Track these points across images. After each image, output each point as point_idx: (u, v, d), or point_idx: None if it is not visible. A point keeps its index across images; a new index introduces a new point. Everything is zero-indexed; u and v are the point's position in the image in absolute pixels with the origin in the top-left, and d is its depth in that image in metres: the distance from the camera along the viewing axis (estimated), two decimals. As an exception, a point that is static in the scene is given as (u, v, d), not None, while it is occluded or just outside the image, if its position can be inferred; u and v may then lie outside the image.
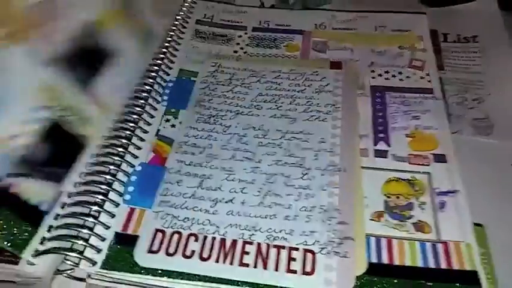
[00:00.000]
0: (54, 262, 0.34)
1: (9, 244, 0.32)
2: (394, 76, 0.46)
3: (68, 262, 0.34)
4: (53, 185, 0.36)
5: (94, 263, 0.33)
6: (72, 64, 0.39)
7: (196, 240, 0.34)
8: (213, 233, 0.35)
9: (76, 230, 0.35)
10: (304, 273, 0.32)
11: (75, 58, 0.40)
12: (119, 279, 0.33)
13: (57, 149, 0.37)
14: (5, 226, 0.33)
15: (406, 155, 0.39)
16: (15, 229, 0.33)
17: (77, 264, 0.34)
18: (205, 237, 0.35)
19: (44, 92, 0.36)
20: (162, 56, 0.48)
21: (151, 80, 0.46)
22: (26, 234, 0.33)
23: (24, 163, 0.34)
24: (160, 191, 0.38)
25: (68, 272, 0.34)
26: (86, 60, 0.41)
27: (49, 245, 0.34)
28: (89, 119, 0.40)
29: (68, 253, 0.33)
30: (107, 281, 0.33)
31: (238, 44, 0.52)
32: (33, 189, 0.35)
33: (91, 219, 0.35)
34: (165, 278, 0.32)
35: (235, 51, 0.51)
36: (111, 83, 0.43)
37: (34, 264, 0.33)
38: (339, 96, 0.44)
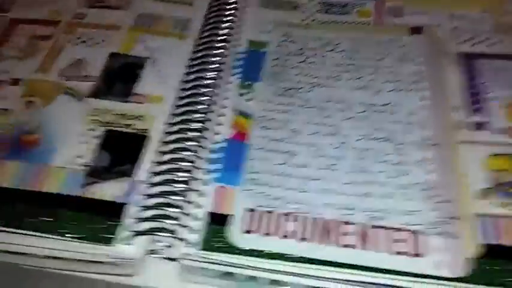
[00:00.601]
0: (145, 243, 0.33)
1: (100, 241, 0.33)
2: (480, 42, 0.43)
3: (160, 243, 0.33)
4: (124, 179, 0.36)
5: (190, 244, 0.32)
6: (109, 87, 0.42)
7: (290, 220, 0.33)
8: (307, 213, 0.34)
9: (168, 209, 0.34)
10: (411, 255, 0.31)
11: (110, 82, 0.42)
12: (216, 259, 0.32)
13: (119, 150, 0.38)
14: (88, 226, 0.33)
15: (505, 126, 0.37)
16: (99, 227, 0.33)
17: (169, 246, 0.33)
18: (299, 217, 0.34)
19: (91, 116, 0.40)
20: (227, 27, 0.46)
21: (220, 52, 0.44)
22: (111, 226, 0.33)
23: (93, 173, 0.36)
24: (247, 169, 0.36)
25: (160, 253, 0.34)
26: (120, 78, 0.42)
27: (141, 226, 0.33)
28: (142, 116, 0.40)
29: (164, 234, 0.33)
30: (204, 262, 0.33)
31: (304, 11, 0.49)
32: (107, 189, 0.35)
33: (181, 199, 0.34)
34: (264, 259, 0.32)
35: (303, 19, 0.48)
36: (153, 79, 0.43)
37: (128, 245, 0.33)
38: (423, 65, 0.42)
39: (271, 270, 0.31)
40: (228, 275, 0.33)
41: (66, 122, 0.39)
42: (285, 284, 0.32)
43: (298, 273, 0.31)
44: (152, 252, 0.34)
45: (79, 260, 0.34)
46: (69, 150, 0.37)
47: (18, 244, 0.33)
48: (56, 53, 0.44)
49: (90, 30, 0.46)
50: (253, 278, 0.32)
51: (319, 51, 0.45)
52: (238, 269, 0.32)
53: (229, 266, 0.32)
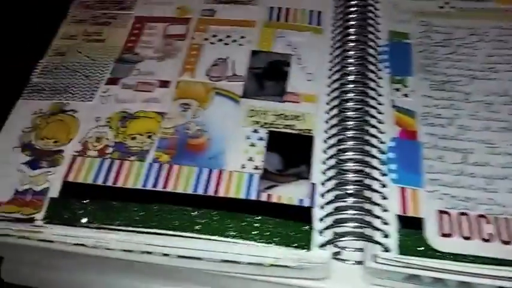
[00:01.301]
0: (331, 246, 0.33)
1: (294, 245, 0.32)
2: None
3: (349, 247, 0.33)
4: (302, 182, 0.35)
5: (385, 248, 0.32)
6: (261, 86, 0.41)
7: (487, 222, 0.32)
8: (502, 214, 0.33)
9: (354, 212, 0.33)
10: None
11: (259, 81, 0.41)
12: (417, 264, 0.31)
13: (288, 150, 0.37)
14: (280, 233, 0.32)
15: None
16: (291, 232, 0.33)
17: (359, 249, 0.33)
18: (496, 219, 0.33)
19: (250, 117, 0.39)
20: (361, 17, 0.45)
21: (364, 47, 0.42)
22: (304, 230, 0.33)
23: (268, 176, 0.35)
24: (425, 168, 0.35)
25: (346, 256, 0.33)
26: (268, 76, 0.42)
27: (328, 233, 0.33)
28: (300, 115, 0.39)
29: (360, 238, 0.32)
30: (404, 267, 0.32)
31: (439, -2, 0.47)
32: (288, 192, 0.34)
33: (364, 201, 0.34)
34: (469, 264, 0.31)
35: (441, 7, 0.46)
36: (302, 76, 0.41)
37: (321, 249, 0.32)
38: None
39: (474, 274, 0.31)
40: (414, 277, 0.32)
41: (228, 124, 0.38)
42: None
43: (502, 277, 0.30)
44: (336, 254, 0.33)
45: (258, 264, 0.33)
46: (238, 153, 0.37)
47: (192, 249, 0.33)
48: (196, 52, 0.43)
49: (223, 28, 0.45)
50: (439, 281, 0.32)
51: (466, 41, 0.43)
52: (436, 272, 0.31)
53: (426, 270, 0.32)
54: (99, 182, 0.35)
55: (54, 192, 0.35)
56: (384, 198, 0.34)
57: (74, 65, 0.43)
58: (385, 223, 0.33)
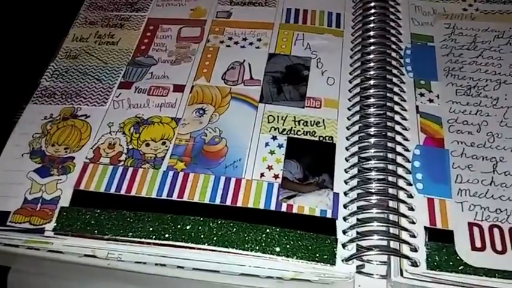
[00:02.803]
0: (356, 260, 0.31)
1: (318, 259, 0.31)
2: None
3: (374, 261, 0.31)
4: (324, 191, 0.34)
5: (414, 263, 0.30)
6: (279, 91, 0.39)
7: (521, 235, 0.31)
8: (535, 226, 0.31)
9: (379, 224, 0.32)
10: None
11: (277, 85, 0.40)
12: (447, 280, 0.30)
13: (309, 158, 0.35)
14: (302, 246, 0.31)
15: None
16: (314, 245, 0.31)
17: (383, 262, 0.31)
18: (529, 231, 0.31)
19: (268, 123, 0.37)
20: (381, 20, 0.43)
21: (387, 50, 0.41)
22: (328, 243, 0.31)
23: (288, 185, 0.34)
24: (453, 178, 0.34)
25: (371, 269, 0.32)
26: (287, 80, 0.40)
27: (352, 246, 0.31)
28: (321, 121, 0.37)
29: (386, 252, 0.31)
30: (430, 282, 0.30)
31: (464, 0, 0.45)
32: (309, 203, 0.33)
33: (390, 212, 0.32)
34: (506, 280, 0.29)
35: (465, 9, 0.45)
36: (321, 80, 0.40)
37: (346, 263, 0.31)
38: None
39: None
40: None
41: (245, 130, 0.37)
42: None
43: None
44: (360, 267, 0.32)
45: (278, 278, 0.32)
46: (257, 161, 0.35)
47: (209, 261, 0.32)
48: (212, 55, 0.42)
49: (239, 30, 0.44)
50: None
51: (493, 44, 0.41)
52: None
53: (461, 286, 0.30)
54: (112, 190, 0.34)
55: (65, 201, 0.33)
56: (411, 209, 0.32)
57: (86, 68, 0.42)
58: (412, 235, 0.31)
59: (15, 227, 0.32)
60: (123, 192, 0.34)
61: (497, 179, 0.33)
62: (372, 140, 0.36)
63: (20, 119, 0.38)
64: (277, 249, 0.31)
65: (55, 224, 0.32)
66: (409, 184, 0.34)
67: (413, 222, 0.32)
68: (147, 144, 0.36)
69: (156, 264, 0.32)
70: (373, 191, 0.33)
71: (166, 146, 0.36)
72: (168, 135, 0.37)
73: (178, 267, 0.32)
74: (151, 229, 0.32)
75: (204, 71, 0.41)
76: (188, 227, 0.32)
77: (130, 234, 0.32)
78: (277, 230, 0.32)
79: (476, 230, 0.31)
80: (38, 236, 0.32)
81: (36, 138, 0.37)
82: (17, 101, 0.39)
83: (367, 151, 0.35)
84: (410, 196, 0.33)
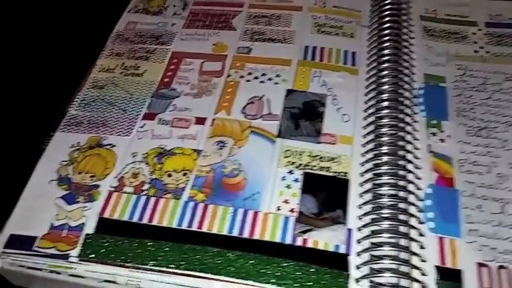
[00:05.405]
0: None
1: None
2: None
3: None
4: (339, 226, 0.35)
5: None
6: (296, 126, 0.41)
7: (528, 277, 0.32)
8: (543, 268, 0.32)
9: (396, 263, 0.33)
10: None
11: (295, 121, 0.41)
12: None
13: (324, 193, 0.37)
14: (316, 281, 0.32)
15: None
16: (327, 280, 0.32)
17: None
18: (536, 273, 0.32)
19: (285, 158, 0.39)
20: (395, 60, 0.45)
21: (400, 90, 0.42)
22: (342, 280, 0.32)
23: (303, 219, 0.35)
24: (463, 218, 0.35)
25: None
26: (304, 116, 0.42)
27: (364, 282, 0.32)
28: (337, 157, 0.39)
29: (397, 290, 0.32)
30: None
31: (476, 42, 0.47)
32: (324, 237, 0.34)
33: (401, 250, 0.33)
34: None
35: (476, 51, 0.46)
36: (337, 117, 0.42)
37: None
38: None
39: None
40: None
41: (263, 164, 0.38)
42: None
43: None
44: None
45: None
46: (274, 194, 0.37)
47: None
48: (232, 90, 0.44)
49: (259, 66, 0.46)
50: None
51: (503, 86, 0.43)
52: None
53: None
54: (135, 219, 0.35)
55: (90, 228, 0.35)
56: (422, 247, 0.34)
57: (112, 99, 0.44)
58: (423, 274, 0.32)
59: (41, 252, 0.34)
60: (145, 221, 0.35)
61: (505, 221, 0.35)
62: (385, 178, 0.37)
63: (48, 147, 0.40)
64: (292, 282, 0.32)
65: (80, 251, 0.34)
66: (421, 223, 0.35)
67: (424, 261, 0.33)
68: (169, 175, 0.38)
69: (174, 292, 0.33)
70: (385, 228, 0.34)
71: (188, 177, 0.38)
72: (189, 166, 0.38)
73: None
74: (170, 258, 0.33)
75: (225, 104, 0.43)
76: (206, 258, 0.33)
77: (151, 263, 0.33)
78: (292, 263, 0.33)
79: (484, 270, 0.32)
80: (63, 261, 0.34)
81: (64, 165, 0.39)
82: (46, 129, 0.41)
83: (380, 188, 0.37)
84: (422, 235, 0.34)
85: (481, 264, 0.33)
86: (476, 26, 0.49)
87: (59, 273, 0.34)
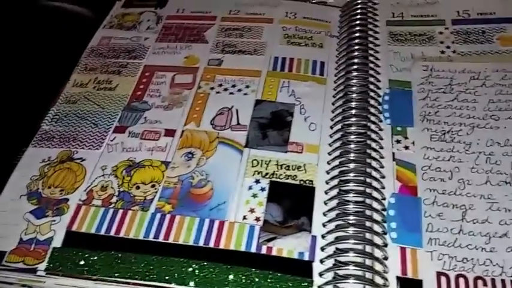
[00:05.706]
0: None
1: None
2: None
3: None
4: (303, 234, 0.35)
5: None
6: (264, 136, 0.42)
7: (484, 284, 0.32)
8: (500, 275, 0.32)
9: (354, 268, 0.33)
10: None
11: (262, 131, 0.42)
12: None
13: (289, 201, 0.37)
14: (280, 286, 0.33)
15: None
16: (293, 286, 0.33)
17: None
18: (493, 280, 0.32)
19: (252, 167, 0.39)
20: (361, 68, 0.45)
21: (366, 97, 0.43)
22: (305, 286, 0.33)
23: (268, 228, 0.36)
24: (424, 227, 0.35)
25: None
26: (272, 126, 0.42)
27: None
28: (302, 166, 0.39)
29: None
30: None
31: (442, 42, 0.48)
32: (288, 245, 0.35)
33: (365, 257, 0.34)
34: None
35: (442, 52, 0.47)
36: (304, 126, 0.42)
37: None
38: None
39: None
40: None
41: (231, 174, 0.39)
42: None
43: None
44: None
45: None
46: (240, 203, 0.37)
47: None
48: (202, 101, 0.45)
49: (229, 77, 0.47)
50: None
51: (468, 86, 0.43)
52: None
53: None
54: (102, 231, 0.36)
55: (58, 241, 0.36)
56: (385, 258, 0.34)
57: (84, 113, 0.44)
58: (386, 285, 0.33)
59: (10, 266, 0.34)
60: (112, 233, 0.36)
61: (466, 227, 0.35)
62: (350, 185, 0.37)
63: (20, 162, 0.41)
64: (257, 291, 0.33)
65: (47, 264, 0.34)
66: (385, 233, 0.35)
67: (386, 272, 0.33)
68: (138, 187, 0.38)
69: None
70: (349, 235, 0.35)
71: (156, 189, 0.38)
72: (157, 178, 0.39)
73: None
74: (136, 270, 0.34)
75: (194, 116, 0.43)
76: (172, 268, 0.34)
77: (117, 274, 0.34)
78: (257, 272, 0.34)
79: (443, 279, 0.33)
80: (31, 275, 0.34)
81: (34, 180, 0.39)
82: (19, 144, 0.42)
83: (346, 195, 0.37)
84: (385, 245, 0.35)
85: (440, 273, 0.33)
86: (443, 24, 0.49)
87: (30, 287, 0.35)
